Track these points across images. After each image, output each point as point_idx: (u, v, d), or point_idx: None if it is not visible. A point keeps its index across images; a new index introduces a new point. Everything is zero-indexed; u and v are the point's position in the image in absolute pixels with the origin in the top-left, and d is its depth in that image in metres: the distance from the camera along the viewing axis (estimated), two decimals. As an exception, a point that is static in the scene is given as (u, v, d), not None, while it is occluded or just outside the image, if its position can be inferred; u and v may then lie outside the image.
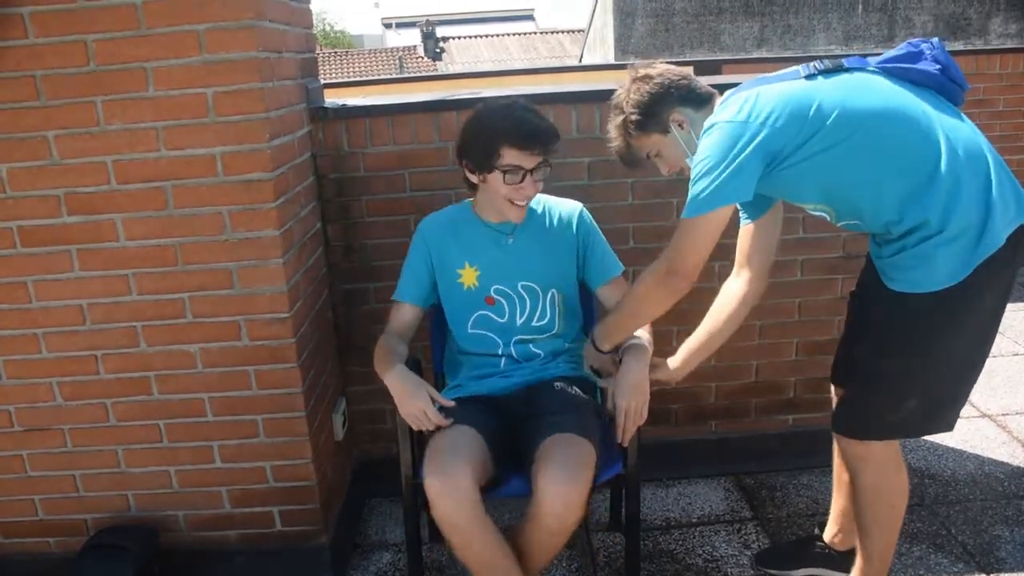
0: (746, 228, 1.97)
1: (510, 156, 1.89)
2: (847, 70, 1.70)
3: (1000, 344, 3.86)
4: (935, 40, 1.70)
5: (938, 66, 1.68)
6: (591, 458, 1.81)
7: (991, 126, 5.00)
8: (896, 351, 1.75)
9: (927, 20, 9.42)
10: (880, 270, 1.75)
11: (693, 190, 1.67)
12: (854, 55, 1.79)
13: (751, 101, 1.66)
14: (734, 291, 1.97)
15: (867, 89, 1.67)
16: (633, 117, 1.84)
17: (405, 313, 2.09)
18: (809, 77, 1.69)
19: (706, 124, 1.72)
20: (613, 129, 1.91)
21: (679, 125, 1.82)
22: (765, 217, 1.93)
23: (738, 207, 1.94)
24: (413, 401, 1.86)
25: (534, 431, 1.91)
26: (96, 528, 2.27)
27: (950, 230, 1.59)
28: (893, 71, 1.70)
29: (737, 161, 1.62)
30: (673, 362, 2.03)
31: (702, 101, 1.82)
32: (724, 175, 1.62)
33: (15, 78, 1.88)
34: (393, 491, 2.10)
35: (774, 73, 1.77)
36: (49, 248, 2.02)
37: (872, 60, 1.73)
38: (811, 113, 1.62)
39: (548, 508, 1.74)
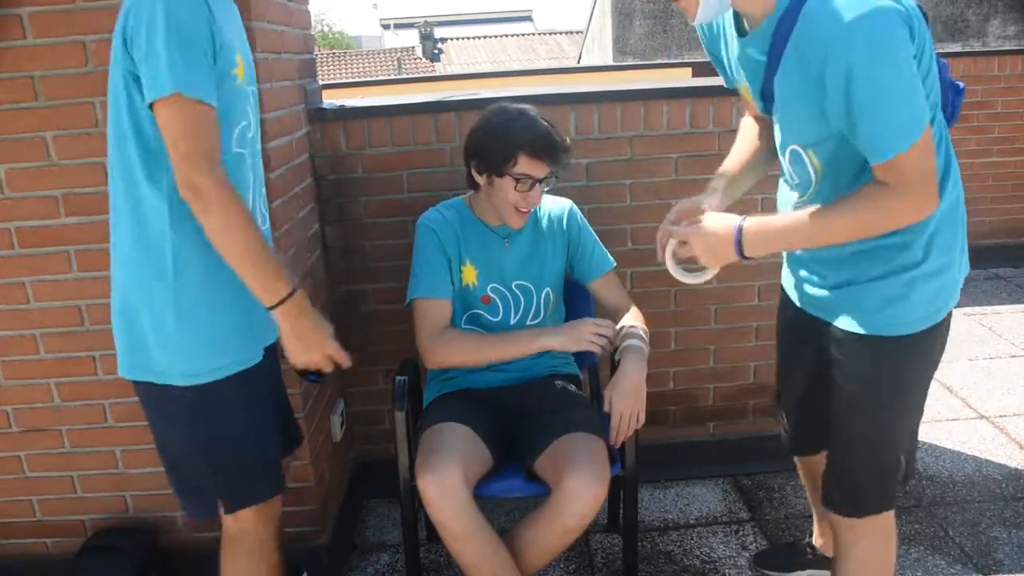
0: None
1: (524, 164, 1.90)
2: None
3: (998, 346, 3.86)
4: (944, 61, 1.47)
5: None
6: (607, 456, 1.86)
7: (989, 128, 5.01)
8: (889, 407, 1.54)
9: (925, 22, 9.43)
10: (834, 306, 1.53)
11: (884, 121, 1.28)
12: None
13: None
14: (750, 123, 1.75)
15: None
16: None
17: (443, 308, 2.02)
18: None
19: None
20: None
21: None
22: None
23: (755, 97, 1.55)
24: (577, 330, 1.95)
25: (540, 427, 1.93)
26: (94, 529, 2.27)
27: (931, 263, 1.44)
28: None
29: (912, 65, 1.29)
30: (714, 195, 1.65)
31: None
32: (914, 84, 1.29)
33: (13, 79, 1.88)
34: (391, 492, 2.10)
35: None
36: (47, 249, 2.02)
37: None
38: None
39: (575, 507, 1.76)
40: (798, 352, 1.76)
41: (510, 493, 1.94)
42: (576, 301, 2.26)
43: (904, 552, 2.33)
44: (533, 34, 28.61)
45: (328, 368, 1.52)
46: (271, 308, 1.41)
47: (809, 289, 1.61)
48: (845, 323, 1.52)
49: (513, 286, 2.08)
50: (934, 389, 3.40)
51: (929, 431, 3.04)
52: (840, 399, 1.59)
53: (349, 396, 2.67)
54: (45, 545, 2.30)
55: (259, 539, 1.67)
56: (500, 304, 2.08)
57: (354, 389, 2.67)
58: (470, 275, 2.07)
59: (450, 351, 1.99)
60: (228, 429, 1.52)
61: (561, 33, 27.21)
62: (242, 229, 1.37)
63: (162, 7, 1.29)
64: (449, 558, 2.38)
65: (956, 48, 8.22)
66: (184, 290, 1.43)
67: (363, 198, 2.51)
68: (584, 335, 1.93)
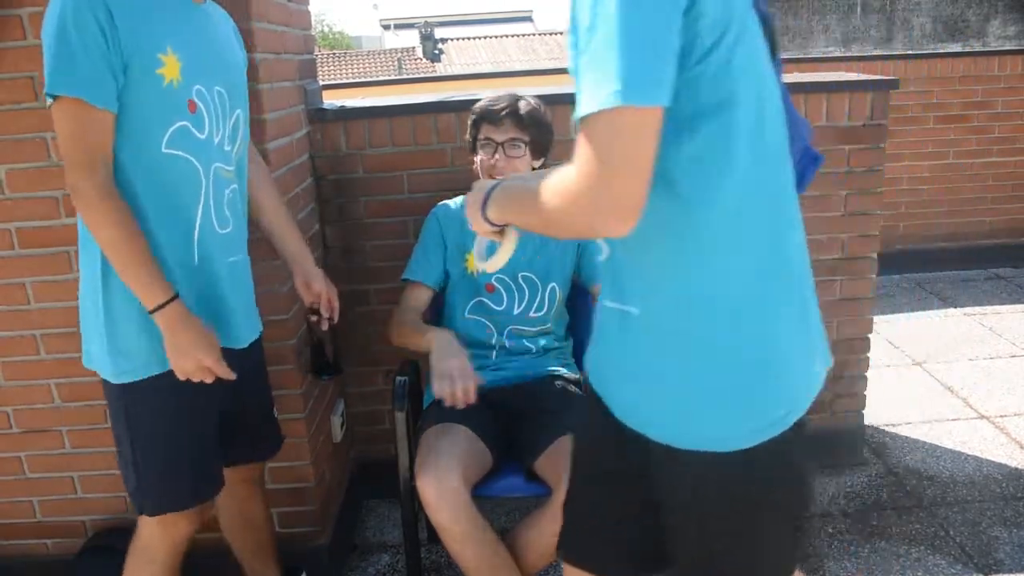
0: None
1: (485, 130, 2.00)
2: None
3: (998, 346, 3.86)
4: (805, 120, 1.20)
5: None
6: None
7: (989, 128, 5.01)
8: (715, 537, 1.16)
9: (925, 22, 9.43)
10: (629, 406, 1.16)
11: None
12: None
13: None
14: None
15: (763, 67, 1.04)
16: None
17: (420, 293, 2.14)
18: None
19: None
20: None
21: None
22: None
23: None
24: (451, 359, 1.84)
25: (541, 427, 1.93)
26: (94, 530, 2.27)
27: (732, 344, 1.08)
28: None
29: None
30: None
31: None
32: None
33: (13, 79, 1.88)
34: (391, 492, 2.10)
35: None
36: (47, 249, 2.02)
37: None
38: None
39: None
40: (627, 479, 1.23)
41: (510, 493, 1.94)
42: (577, 303, 2.26)
43: (905, 552, 2.33)
44: (533, 34, 28.62)
45: (202, 378, 1.50)
46: (151, 312, 1.44)
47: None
48: (651, 431, 1.13)
49: (519, 277, 2.10)
50: (934, 389, 3.40)
51: (929, 431, 3.04)
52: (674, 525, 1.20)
53: (349, 396, 2.67)
54: (45, 546, 2.30)
55: (162, 555, 1.71)
56: (504, 294, 2.10)
57: (354, 389, 2.67)
58: (475, 263, 2.08)
59: (396, 332, 2.09)
60: (152, 429, 1.55)
61: (561, 33, 27.16)
62: (115, 231, 1.40)
63: (58, 9, 1.34)
64: (450, 559, 2.38)
65: (956, 48, 8.21)
66: (112, 292, 1.49)
67: (363, 198, 2.51)
68: (445, 372, 1.81)
